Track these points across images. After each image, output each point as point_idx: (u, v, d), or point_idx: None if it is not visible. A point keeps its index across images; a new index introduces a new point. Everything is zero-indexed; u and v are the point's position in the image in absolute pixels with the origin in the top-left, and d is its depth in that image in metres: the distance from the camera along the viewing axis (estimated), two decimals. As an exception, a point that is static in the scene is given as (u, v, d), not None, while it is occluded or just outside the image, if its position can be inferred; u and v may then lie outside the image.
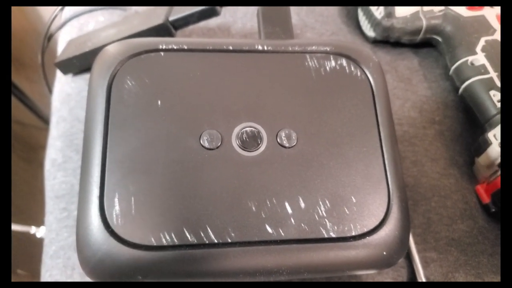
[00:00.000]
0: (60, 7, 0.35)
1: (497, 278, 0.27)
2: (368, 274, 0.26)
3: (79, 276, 0.25)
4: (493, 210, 0.28)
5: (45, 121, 0.62)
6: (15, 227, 0.44)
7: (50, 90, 0.35)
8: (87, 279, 0.25)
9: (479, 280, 0.27)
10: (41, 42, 0.35)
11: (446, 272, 0.27)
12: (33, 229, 0.42)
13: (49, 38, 0.36)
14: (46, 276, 0.25)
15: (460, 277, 0.27)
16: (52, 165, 0.29)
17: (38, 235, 0.41)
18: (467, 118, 0.32)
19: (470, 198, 0.29)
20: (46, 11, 0.55)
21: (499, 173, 0.27)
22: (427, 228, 0.28)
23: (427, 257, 0.27)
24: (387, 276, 0.26)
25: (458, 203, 0.29)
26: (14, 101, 0.57)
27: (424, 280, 0.26)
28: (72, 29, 0.34)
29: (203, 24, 0.34)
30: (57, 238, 0.26)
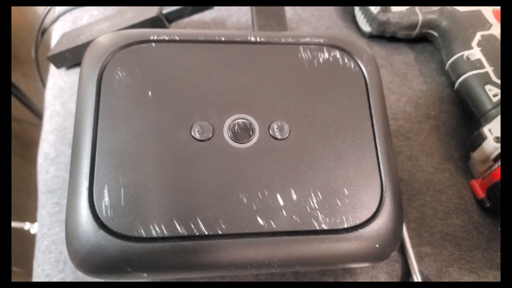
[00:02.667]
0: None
1: (491, 273, 0.27)
2: (362, 268, 0.26)
3: (71, 270, 0.25)
4: (488, 205, 0.28)
5: (40, 117, 0.62)
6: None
7: (44, 85, 0.35)
8: (79, 274, 0.25)
9: (473, 275, 0.26)
10: (35, 36, 0.34)
11: (441, 267, 0.26)
12: (27, 225, 0.41)
13: (43, 32, 0.35)
14: (38, 271, 0.25)
15: (454, 272, 0.26)
16: (45, 159, 0.28)
17: (32, 231, 0.41)
18: (462, 113, 0.32)
19: (465, 193, 0.29)
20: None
21: (494, 168, 0.27)
22: (421, 222, 0.28)
23: (421, 251, 0.27)
24: (381, 270, 0.26)
25: (453, 197, 0.29)
26: (10, 97, 0.56)
27: (418, 274, 0.26)
28: (66, 23, 0.34)
29: (197, 18, 0.34)
30: (49, 232, 0.26)
